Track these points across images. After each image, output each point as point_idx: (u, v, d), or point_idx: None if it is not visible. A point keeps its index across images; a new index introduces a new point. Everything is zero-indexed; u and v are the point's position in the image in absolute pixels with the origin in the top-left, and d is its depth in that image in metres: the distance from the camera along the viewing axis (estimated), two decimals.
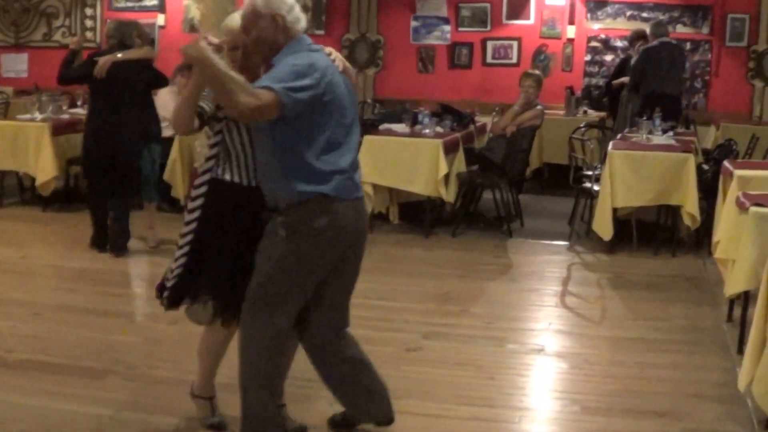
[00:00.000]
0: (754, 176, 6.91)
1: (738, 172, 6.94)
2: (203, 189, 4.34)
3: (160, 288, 4.52)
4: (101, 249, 8.53)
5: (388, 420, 4.67)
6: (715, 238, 7.01)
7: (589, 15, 13.39)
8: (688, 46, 12.84)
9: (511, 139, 9.90)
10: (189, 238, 4.36)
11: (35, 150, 10.05)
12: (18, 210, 10.60)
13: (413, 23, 13.96)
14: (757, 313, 4.79)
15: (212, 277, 4.36)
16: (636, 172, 8.72)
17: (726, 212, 6.75)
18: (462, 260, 8.77)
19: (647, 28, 11.96)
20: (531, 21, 13.60)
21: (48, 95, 11.06)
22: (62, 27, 14.80)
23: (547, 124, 11.44)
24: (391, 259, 8.46)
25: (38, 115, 10.55)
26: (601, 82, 13.20)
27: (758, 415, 4.88)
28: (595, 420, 5.03)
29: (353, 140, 4.30)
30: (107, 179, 8.35)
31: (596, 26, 13.39)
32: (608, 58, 13.35)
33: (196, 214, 4.34)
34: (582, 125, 11.20)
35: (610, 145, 9.23)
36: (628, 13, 13.22)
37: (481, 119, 11.57)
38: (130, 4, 14.53)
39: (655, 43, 11.43)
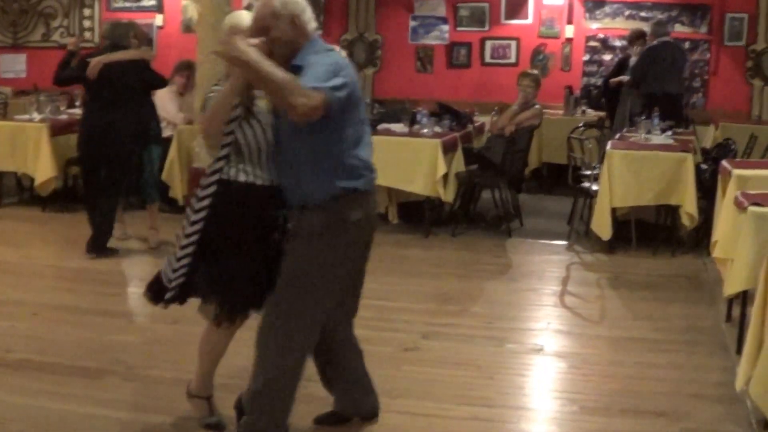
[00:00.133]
0: (753, 175, 6.91)
1: (736, 172, 6.94)
2: (212, 189, 4.30)
3: (154, 287, 4.51)
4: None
5: (375, 414, 4.82)
6: (713, 238, 7.01)
7: (587, 15, 13.40)
8: (686, 45, 12.85)
9: (510, 138, 9.90)
10: (194, 237, 4.33)
11: (34, 150, 10.06)
12: (17, 210, 10.60)
13: (411, 23, 13.98)
14: (754, 313, 4.79)
15: (219, 277, 4.34)
16: (634, 171, 8.71)
17: (724, 212, 6.75)
18: (461, 260, 8.77)
19: (646, 28, 11.96)
20: (529, 21, 13.61)
21: (46, 96, 11.07)
22: (60, 27, 14.81)
23: (546, 124, 11.45)
24: (390, 259, 8.45)
25: (36, 116, 10.55)
26: (600, 81, 13.19)
27: (757, 415, 4.87)
28: (594, 420, 5.03)
29: (369, 134, 4.42)
30: (100, 179, 8.33)
31: (595, 26, 13.40)
32: (607, 57, 13.36)
33: (202, 214, 4.31)
34: (580, 125, 11.20)
35: (609, 144, 9.23)
36: (627, 13, 13.24)
37: (480, 119, 11.56)
38: (128, 5, 14.54)
39: (655, 42, 11.43)
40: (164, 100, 9.58)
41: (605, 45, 13.40)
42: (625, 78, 11.99)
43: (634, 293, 7.67)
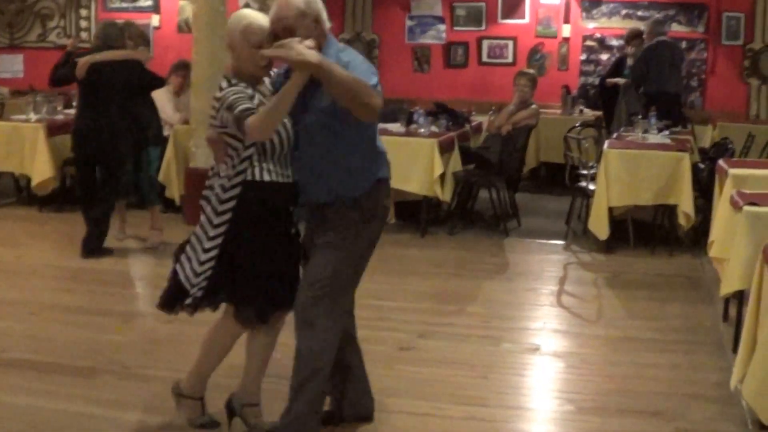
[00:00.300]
0: (749, 175, 6.91)
1: (732, 171, 6.94)
2: (236, 191, 4.28)
3: (169, 296, 4.48)
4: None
5: (370, 415, 4.84)
6: (711, 238, 7.00)
7: (584, 14, 13.39)
8: (683, 44, 12.82)
9: (507, 138, 9.90)
10: (219, 240, 4.30)
11: (30, 151, 10.05)
12: (14, 210, 10.60)
13: (408, 23, 13.97)
14: (748, 312, 4.79)
15: (251, 279, 4.33)
16: (631, 171, 8.71)
17: (720, 211, 6.75)
18: (458, 259, 8.77)
19: (643, 27, 11.95)
20: (526, 20, 13.60)
21: (43, 96, 11.06)
22: (57, 28, 14.78)
23: (543, 123, 11.45)
24: (387, 258, 8.43)
25: (33, 116, 10.55)
26: (597, 81, 13.18)
27: (752, 415, 4.86)
28: (590, 419, 5.03)
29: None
30: (95, 180, 8.31)
31: (591, 25, 13.39)
32: (604, 57, 13.35)
33: (227, 216, 4.29)
34: (577, 124, 11.19)
35: (606, 144, 9.23)
36: (623, 12, 13.23)
37: (478, 118, 11.55)
38: (124, 5, 14.52)
39: (654, 41, 11.42)
40: (161, 101, 9.56)
41: (602, 44, 13.39)
42: (621, 80, 12.00)
43: (632, 293, 7.66)
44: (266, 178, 4.28)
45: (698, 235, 8.93)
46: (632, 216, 9.19)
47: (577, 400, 5.30)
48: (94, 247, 8.37)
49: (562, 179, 10.13)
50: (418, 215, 9.66)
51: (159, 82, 8.77)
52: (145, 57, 8.70)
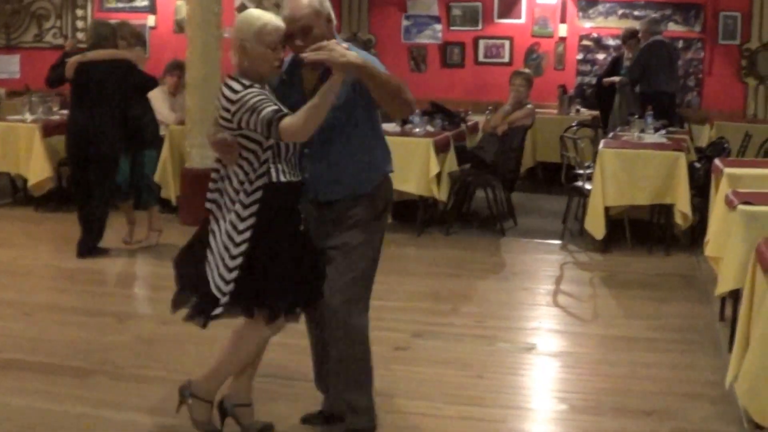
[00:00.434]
0: (744, 174, 6.90)
1: (728, 170, 6.93)
2: (258, 195, 4.25)
3: (197, 307, 4.40)
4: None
5: None
6: (707, 237, 7.00)
7: (580, 14, 13.40)
8: (680, 44, 12.86)
9: (503, 138, 9.90)
10: (244, 247, 4.26)
11: (26, 151, 10.06)
12: (10, 211, 10.59)
13: (404, 22, 13.98)
14: (741, 311, 4.78)
15: (274, 280, 4.30)
16: (627, 170, 8.70)
17: (716, 210, 6.75)
18: (454, 259, 8.76)
19: (638, 26, 11.95)
20: (522, 20, 13.61)
21: (39, 96, 11.06)
22: (53, 28, 14.78)
23: (540, 123, 11.44)
24: (383, 258, 8.30)
25: (29, 116, 10.56)
26: (594, 80, 13.18)
27: (748, 414, 4.84)
28: (583, 419, 5.02)
29: None
30: (88, 180, 8.29)
31: (588, 25, 13.40)
32: (600, 56, 13.36)
33: (251, 221, 4.25)
34: (574, 124, 11.19)
35: (602, 143, 9.23)
36: (620, 12, 13.24)
37: (474, 118, 11.55)
38: (120, 5, 14.51)
39: (650, 41, 11.42)
40: (156, 101, 9.54)
41: (599, 44, 13.39)
42: (616, 78, 12.00)
43: (628, 292, 7.66)
44: (282, 178, 4.27)
45: (695, 235, 8.93)
46: (629, 215, 9.19)
47: (573, 400, 5.30)
48: (89, 247, 8.35)
49: (559, 179, 10.12)
50: (415, 215, 9.65)
51: (152, 83, 8.64)
52: (136, 57, 8.55)
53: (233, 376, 4.60)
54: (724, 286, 5.94)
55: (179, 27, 14.06)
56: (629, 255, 8.82)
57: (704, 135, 12.20)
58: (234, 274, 4.27)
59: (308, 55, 4.03)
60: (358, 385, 4.50)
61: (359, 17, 13.98)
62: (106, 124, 8.19)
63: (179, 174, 9.89)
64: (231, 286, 4.28)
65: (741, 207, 5.67)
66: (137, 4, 14.46)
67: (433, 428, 4.88)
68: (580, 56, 13.49)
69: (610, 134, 10.30)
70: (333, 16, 4.32)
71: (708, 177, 8.11)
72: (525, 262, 8.75)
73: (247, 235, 4.26)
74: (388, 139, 9.56)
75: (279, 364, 4.52)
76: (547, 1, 13.45)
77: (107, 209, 8.52)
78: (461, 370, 5.70)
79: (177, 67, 10.40)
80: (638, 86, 11.52)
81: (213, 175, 4.41)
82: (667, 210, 8.89)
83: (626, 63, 12.07)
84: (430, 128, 9.93)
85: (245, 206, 4.25)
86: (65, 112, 10.96)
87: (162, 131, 9.91)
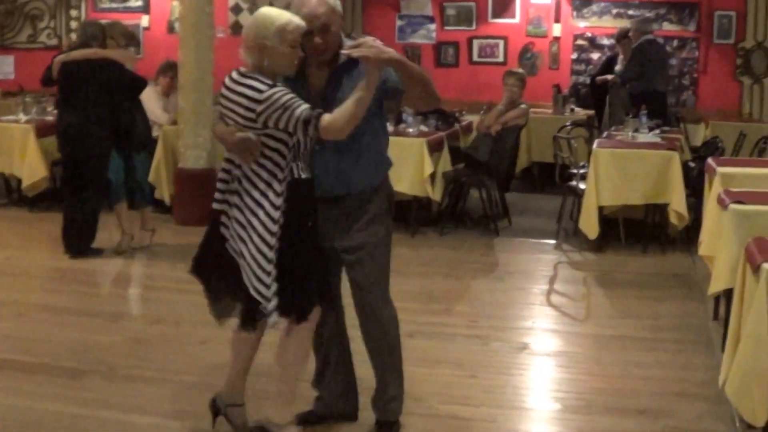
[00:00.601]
0: (737, 173, 6.90)
1: (721, 170, 6.93)
2: (286, 194, 4.26)
3: (248, 315, 4.36)
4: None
5: (355, 414, 4.85)
6: (701, 236, 7.00)
7: (574, 13, 13.39)
8: (675, 43, 12.87)
9: (496, 137, 9.89)
10: (275, 247, 4.25)
11: (20, 151, 10.05)
12: (4, 211, 10.58)
13: (398, 22, 13.96)
14: (733, 311, 4.78)
15: (304, 278, 4.32)
16: (621, 170, 8.69)
17: (709, 210, 6.75)
18: (448, 259, 8.75)
19: (630, 26, 11.95)
20: (516, 19, 13.59)
21: (32, 97, 11.05)
22: (47, 29, 14.75)
23: (534, 123, 11.44)
24: None
25: (23, 117, 10.55)
26: (588, 80, 13.18)
27: (740, 414, 4.86)
28: (576, 418, 5.02)
29: None
30: (78, 180, 8.27)
31: (582, 24, 13.39)
32: (595, 56, 13.35)
33: (281, 221, 4.25)
34: (568, 123, 11.19)
35: (595, 143, 9.22)
36: (614, 11, 13.23)
37: (468, 118, 11.54)
38: (114, 6, 14.49)
39: (643, 40, 11.42)
40: (149, 101, 9.52)
41: (593, 43, 13.39)
42: (609, 76, 12.01)
43: (622, 291, 7.66)
44: (303, 175, 4.30)
45: (690, 234, 8.93)
46: (624, 215, 9.19)
47: (566, 399, 5.30)
48: (82, 247, 8.34)
49: (554, 178, 10.12)
50: (409, 215, 9.64)
51: (141, 83, 8.54)
52: (124, 56, 8.43)
53: (227, 376, 4.59)
54: (716, 286, 5.93)
55: (173, 27, 14.06)
56: (623, 254, 8.82)
57: (699, 134, 12.19)
58: (272, 277, 4.25)
59: (350, 52, 4.08)
60: (397, 373, 4.65)
61: (353, 17, 13.95)
62: (92, 124, 8.15)
63: (173, 174, 9.88)
64: (273, 289, 4.26)
65: (732, 206, 5.66)
66: (131, 4, 14.44)
67: (425, 428, 4.87)
68: (574, 56, 13.48)
69: (605, 134, 10.29)
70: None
71: (702, 177, 8.10)
72: (519, 262, 8.74)
73: (278, 235, 4.25)
74: None
75: (272, 363, 4.50)
76: (542, 0, 13.44)
77: (98, 209, 8.49)
78: (455, 370, 5.70)
79: (170, 68, 10.37)
80: (628, 85, 11.51)
81: (222, 175, 4.34)
82: (661, 209, 8.89)
83: (620, 62, 12.07)
84: (423, 128, 9.91)
85: (276, 207, 4.23)
86: None
87: (155, 132, 9.90)
